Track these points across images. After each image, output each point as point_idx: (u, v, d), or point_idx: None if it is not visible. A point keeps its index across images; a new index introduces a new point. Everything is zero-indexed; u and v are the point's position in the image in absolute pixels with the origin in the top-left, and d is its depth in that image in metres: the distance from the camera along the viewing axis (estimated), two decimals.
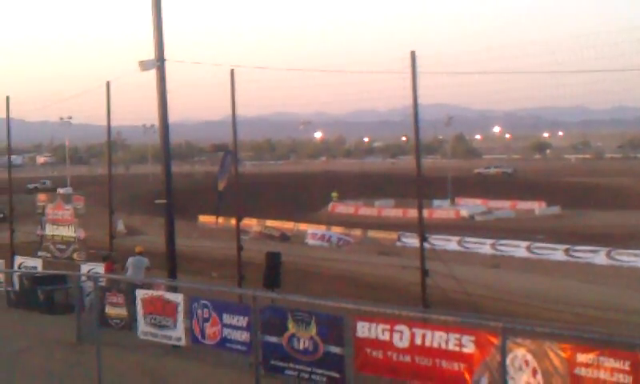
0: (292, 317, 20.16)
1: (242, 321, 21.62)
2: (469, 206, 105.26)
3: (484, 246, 68.34)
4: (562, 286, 47.26)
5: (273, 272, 27.77)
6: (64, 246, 36.08)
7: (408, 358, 18.25)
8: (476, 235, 73.17)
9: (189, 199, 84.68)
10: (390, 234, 75.26)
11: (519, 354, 16.35)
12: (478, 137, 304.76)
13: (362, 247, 71.10)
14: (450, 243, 66.73)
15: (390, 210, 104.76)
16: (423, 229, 23.73)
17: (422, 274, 23.40)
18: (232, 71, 27.71)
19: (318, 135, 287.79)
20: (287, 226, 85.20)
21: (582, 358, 15.46)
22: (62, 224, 36.16)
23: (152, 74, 29.00)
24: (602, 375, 15.17)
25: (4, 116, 37.50)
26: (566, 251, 62.85)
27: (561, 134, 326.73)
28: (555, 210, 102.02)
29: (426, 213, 27.07)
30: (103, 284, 27.67)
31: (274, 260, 28.43)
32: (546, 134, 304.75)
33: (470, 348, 17.23)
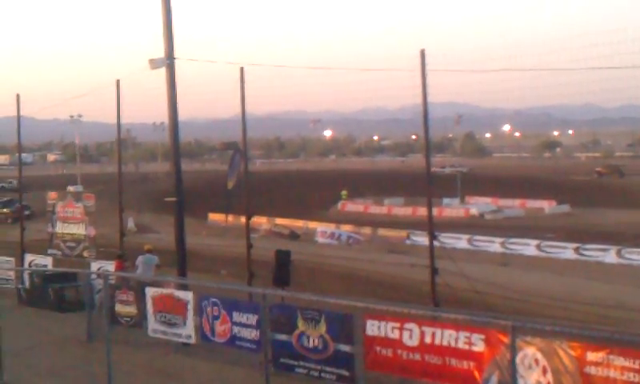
0: (302, 315, 20.18)
1: (252, 319, 21.64)
2: (478, 205, 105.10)
3: (494, 245, 68.27)
4: (572, 284, 47.22)
5: (282, 270, 27.81)
6: (74, 244, 36.15)
7: (418, 357, 18.25)
8: (486, 233, 73.03)
9: (199, 197, 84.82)
10: (400, 232, 75.23)
11: (529, 352, 16.35)
12: (487, 135, 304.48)
13: (372, 245, 71.10)
14: (460, 241, 66.65)
15: (399, 209, 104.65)
16: (433, 227, 23.71)
17: (432, 273, 23.39)
18: (242, 69, 27.73)
19: (327, 133, 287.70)
20: (297, 224, 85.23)
21: (592, 356, 15.44)
22: (72, 222, 36.22)
23: (162, 72, 29.04)
24: (612, 374, 15.15)
25: (15, 114, 37.56)
26: (576, 250, 62.74)
27: (571, 132, 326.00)
28: (565, 208, 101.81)
29: (435, 211, 27.10)
30: (113, 282, 27.71)
31: (283, 258, 28.47)
32: (555, 133, 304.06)
33: (479, 346, 17.23)
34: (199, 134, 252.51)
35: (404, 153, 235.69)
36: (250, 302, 23.44)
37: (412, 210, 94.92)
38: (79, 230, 35.87)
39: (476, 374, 17.26)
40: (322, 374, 19.92)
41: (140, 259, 30.90)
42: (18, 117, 37.59)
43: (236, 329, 22.13)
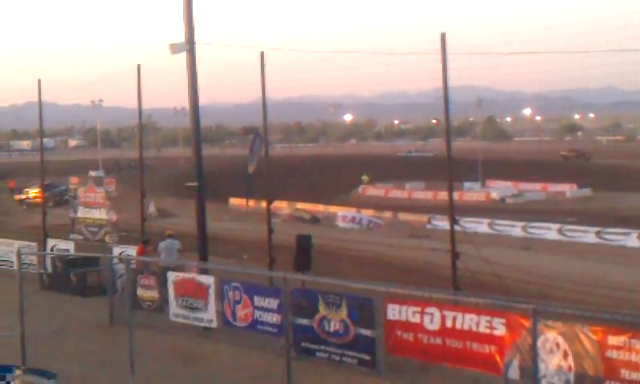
0: (323, 299, 20.26)
1: (273, 303, 21.74)
2: (499, 189, 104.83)
3: (515, 229, 68.05)
4: (594, 268, 47.05)
5: (303, 254, 27.82)
6: (96, 229, 36.28)
7: (439, 341, 18.29)
8: (507, 218, 72.83)
9: (219, 182, 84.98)
10: (421, 216, 75.09)
11: (550, 336, 16.35)
12: (508, 119, 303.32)
13: (393, 230, 70.99)
14: (481, 226, 66.47)
15: (420, 193, 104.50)
16: (454, 211, 23.68)
17: (453, 257, 23.35)
18: (262, 54, 27.69)
19: (347, 118, 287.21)
20: (317, 208, 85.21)
21: (613, 340, 15.44)
22: (93, 207, 36.35)
23: (182, 56, 29.09)
24: (634, 358, 15.14)
25: (36, 99, 37.63)
26: (598, 233, 62.48)
27: (592, 115, 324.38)
28: (586, 192, 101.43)
29: (456, 195, 27.06)
30: (135, 266, 27.82)
31: (304, 242, 28.48)
32: (577, 116, 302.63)
33: (500, 330, 17.25)
34: (220, 118, 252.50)
35: (425, 137, 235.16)
36: (271, 286, 23.53)
37: (433, 194, 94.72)
38: (101, 214, 36.00)
39: (497, 357, 17.29)
40: (343, 359, 20.00)
41: (162, 245, 30.99)
42: (40, 102, 37.66)
43: (257, 313, 22.24)
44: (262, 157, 30.17)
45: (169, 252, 30.48)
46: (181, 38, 29.05)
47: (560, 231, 64.89)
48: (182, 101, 32.71)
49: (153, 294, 26.87)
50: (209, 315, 24.18)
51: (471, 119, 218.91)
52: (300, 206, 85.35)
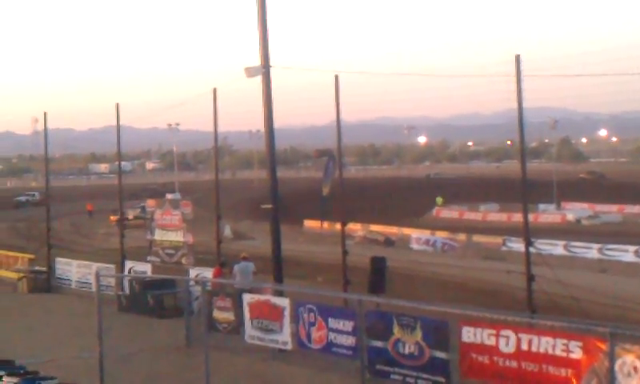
0: (397, 321, 20.24)
1: (348, 325, 21.76)
2: (575, 210, 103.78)
3: (591, 251, 67.31)
4: None
5: (378, 276, 27.84)
6: (172, 251, 36.60)
7: (514, 364, 18.18)
8: (582, 239, 72.05)
9: (294, 204, 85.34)
10: (495, 238, 74.66)
11: (628, 359, 16.18)
12: (583, 140, 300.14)
13: (467, 252, 70.67)
14: (556, 248, 65.86)
15: (494, 215, 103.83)
16: (529, 233, 23.54)
17: (528, 279, 23.21)
18: (336, 77, 27.82)
19: (421, 139, 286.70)
20: (392, 230, 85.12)
21: None
22: (170, 229, 36.70)
23: (258, 80, 29.36)
24: None
25: (114, 123, 38.20)
26: None
27: None
28: None
29: (531, 217, 26.85)
30: (210, 288, 28.01)
31: (378, 264, 28.50)
32: None
33: (577, 354, 17.10)
34: (294, 141, 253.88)
35: (499, 158, 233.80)
36: (346, 308, 23.56)
37: (507, 216, 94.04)
38: (177, 237, 36.31)
39: (574, 381, 17.14)
40: (418, 381, 19.94)
41: (237, 268, 31.20)
42: (118, 126, 38.21)
43: (332, 335, 22.27)
44: (336, 179, 30.26)
45: (244, 274, 30.68)
46: (256, 61, 29.37)
47: (637, 253, 64.03)
48: (257, 124, 33.04)
49: (228, 315, 27.04)
50: (284, 337, 24.27)
51: (546, 140, 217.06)
52: (374, 228, 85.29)
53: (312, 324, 22.94)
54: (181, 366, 24.04)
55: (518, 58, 23.00)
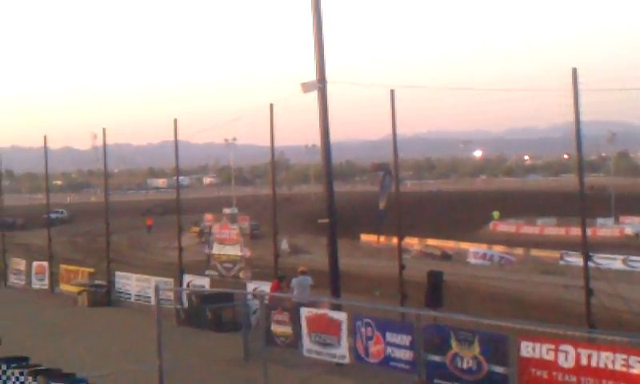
0: (455, 336, 20.21)
1: (405, 339, 21.76)
2: (634, 224, 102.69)
3: None
4: None
5: (435, 291, 27.81)
6: (230, 265, 36.79)
7: (574, 379, 18.06)
8: None
9: (350, 218, 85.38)
10: (553, 252, 74.19)
11: None
12: None
13: (524, 266, 70.24)
14: (615, 262, 65.25)
15: (552, 229, 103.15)
16: (587, 247, 23.39)
17: (587, 294, 23.06)
18: (392, 91, 27.84)
19: (477, 154, 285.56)
20: (448, 244, 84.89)
21: None
22: (228, 243, 36.90)
23: (314, 95, 29.48)
24: None
25: (172, 138, 38.49)
26: None
27: None
28: None
29: (589, 231, 26.65)
30: (268, 302, 28.13)
31: (436, 279, 28.47)
32: None
33: (637, 369, 16.97)
34: (350, 155, 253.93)
35: (556, 172, 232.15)
36: (404, 322, 23.56)
37: (565, 230, 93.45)
38: (235, 251, 36.51)
39: None
40: None
41: (294, 281, 31.31)
42: (176, 141, 38.49)
43: (389, 349, 22.28)
44: (393, 193, 30.30)
45: (301, 288, 30.79)
46: (312, 75, 29.52)
47: None
48: (314, 138, 33.13)
49: (286, 329, 27.15)
50: (341, 351, 24.32)
51: (603, 154, 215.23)
52: (431, 242, 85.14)
53: (369, 338, 22.97)
54: (239, 380, 24.16)
55: (574, 72, 22.89)
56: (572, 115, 23.03)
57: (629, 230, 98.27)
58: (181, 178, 45.32)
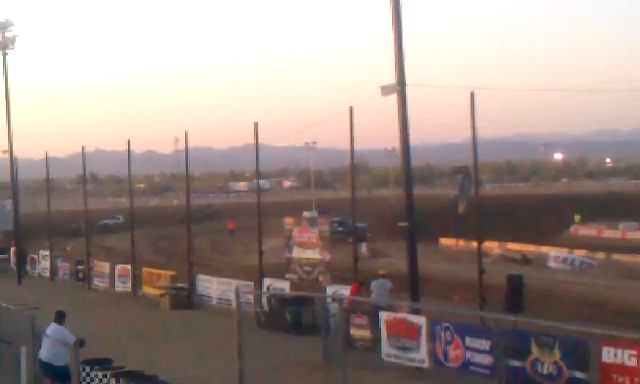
0: (535, 341, 20.10)
1: (485, 344, 21.69)
2: None
3: None
4: None
5: (515, 295, 27.66)
6: (310, 268, 36.90)
7: None
8: None
9: (430, 222, 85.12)
10: (636, 257, 73.14)
11: None
12: None
13: (606, 270, 69.37)
14: None
15: (635, 233, 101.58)
16: None
17: None
18: (472, 94, 27.78)
19: (558, 156, 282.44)
20: (528, 248, 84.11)
21: None
22: (308, 247, 37.03)
23: (393, 98, 29.54)
24: None
25: (253, 141, 38.79)
26: None
27: None
28: None
29: None
30: (347, 306, 28.19)
31: (516, 283, 28.32)
32: None
33: None
34: (430, 157, 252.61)
35: (638, 175, 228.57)
36: (483, 327, 23.48)
37: None
38: (314, 254, 36.64)
39: None
40: None
41: (374, 284, 31.36)
42: (257, 144, 38.78)
43: (469, 354, 22.23)
44: (472, 196, 30.19)
45: (381, 291, 30.84)
46: (391, 78, 29.58)
47: None
48: (393, 141, 33.11)
49: (365, 333, 27.24)
50: (420, 355, 24.32)
51: None
52: (511, 246, 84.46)
53: (449, 342, 22.94)
54: (318, 383, 24.30)
55: None
56: None
57: None
58: (261, 181, 45.60)
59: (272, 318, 34.33)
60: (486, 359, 21.60)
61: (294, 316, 33.10)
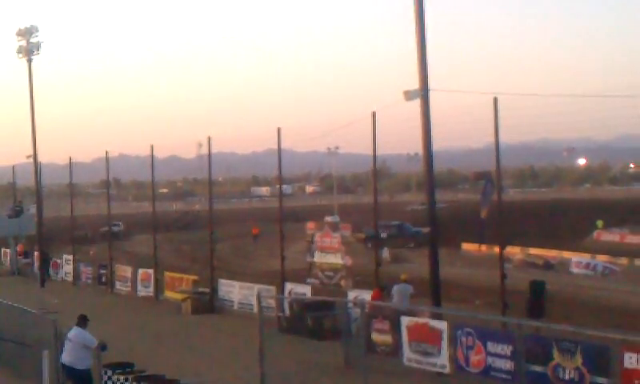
0: (557, 346, 20.10)
1: (507, 349, 21.70)
2: None
3: None
4: None
5: (537, 300, 27.66)
6: (332, 273, 36.93)
7: None
8: None
9: (451, 227, 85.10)
10: None
11: None
12: None
13: (629, 276, 69.03)
14: None
15: None
16: None
17: None
18: (495, 99, 27.77)
19: (581, 162, 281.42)
20: (551, 254, 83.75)
21: None
22: (329, 251, 37.07)
23: (416, 103, 29.55)
24: None
25: (275, 146, 38.87)
26: None
27: None
28: None
29: None
30: (369, 311, 28.21)
31: (538, 288, 28.31)
32: None
33: None
34: (452, 163, 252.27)
35: None
36: (505, 332, 23.48)
37: None
38: (336, 259, 36.67)
39: None
40: None
41: (396, 288, 31.37)
42: (279, 149, 38.86)
43: (490, 359, 22.25)
44: (495, 202, 30.18)
45: (401, 296, 30.84)
46: (414, 84, 29.61)
47: None
48: (415, 146, 33.14)
49: (387, 338, 27.26)
50: (442, 360, 24.34)
51: None
52: (533, 251, 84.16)
53: (470, 347, 22.96)
54: None
55: None
56: None
57: None
58: (284, 186, 45.65)
59: (293, 323, 34.38)
60: (508, 364, 21.60)
61: (316, 321, 33.14)
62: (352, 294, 33.92)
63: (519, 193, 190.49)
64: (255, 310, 34.63)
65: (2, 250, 73.97)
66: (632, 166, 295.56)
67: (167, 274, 48.71)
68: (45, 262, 61.84)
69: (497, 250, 29.27)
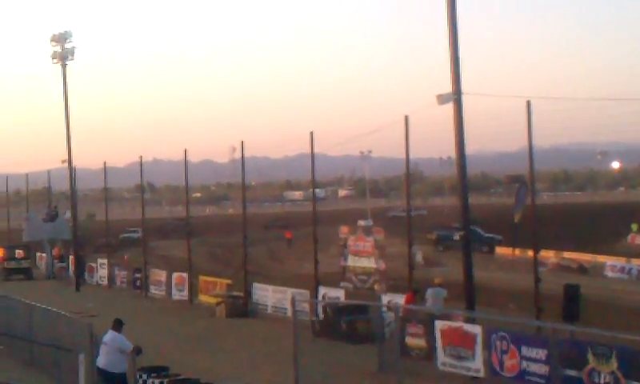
0: (592, 350, 20.01)
1: (541, 353, 21.63)
2: None
3: None
4: None
5: (571, 304, 27.52)
6: (365, 277, 36.95)
7: None
8: None
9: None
10: None
11: None
12: None
13: None
14: None
15: None
16: None
17: None
18: (528, 103, 27.72)
19: (615, 165, 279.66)
20: (585, 257, 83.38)
21: None
22: (363, 255, 37.08)
23: (449, 106, 29.55)
24: None
25: (308, 151, 38.92)
26: None
27: None
28: None
29: None
30: (403, 314, 28.20)
31: (572, 292, 28.17)
32: None
33: None
34: (485, 166, 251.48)
35: None
36: (539, 336, 23.40)
37: None
38: (370, 263, 36.67)
39: None
40: None
41: (429, 292, 31.34)
42: (312, 153, 38.91)
43: (525, 363, 22.18)
44: (528, 205, 30.10)
45: (435, 299, 30.82)
46: (447, 87, 29.60)
47: None
48: (448, 150, 33.14)
49: (420, 342, 27.24)
50: (476, 365, 24.29)
51: None
52: (567, 255, 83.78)
53: (504, 352, 22.90)
54: None
55: None
56: None
57: None
58: (317, 190, 45.68)
59: (327, 327, 34.39)
60: (542, 369, 21.54)
61: (349, 325, 33.13)
62: (386, 298, 33.92)
63: (553, 196, 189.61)
64: (289, 313, 34.76)
65: (38, 254, 74.49)
66: None
67: (201, 277, 48.87)
68: (80, 266, 62.25)
69: (530, 253, 29.14)
